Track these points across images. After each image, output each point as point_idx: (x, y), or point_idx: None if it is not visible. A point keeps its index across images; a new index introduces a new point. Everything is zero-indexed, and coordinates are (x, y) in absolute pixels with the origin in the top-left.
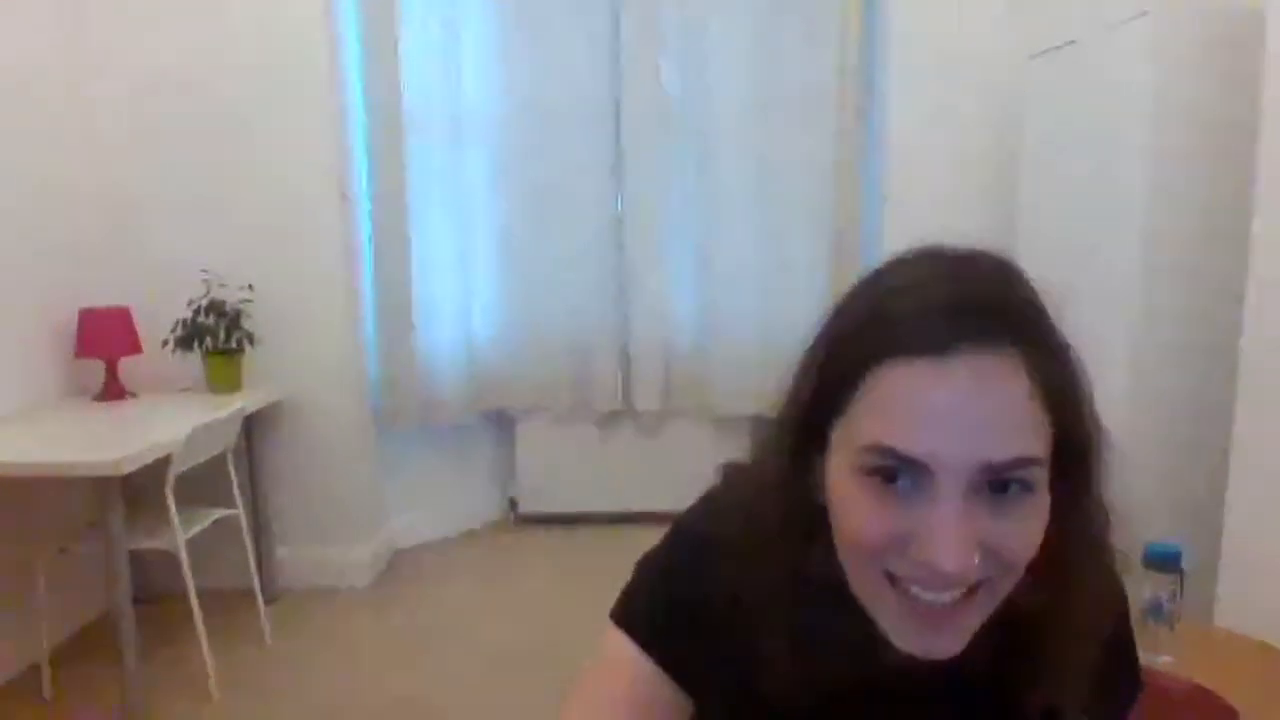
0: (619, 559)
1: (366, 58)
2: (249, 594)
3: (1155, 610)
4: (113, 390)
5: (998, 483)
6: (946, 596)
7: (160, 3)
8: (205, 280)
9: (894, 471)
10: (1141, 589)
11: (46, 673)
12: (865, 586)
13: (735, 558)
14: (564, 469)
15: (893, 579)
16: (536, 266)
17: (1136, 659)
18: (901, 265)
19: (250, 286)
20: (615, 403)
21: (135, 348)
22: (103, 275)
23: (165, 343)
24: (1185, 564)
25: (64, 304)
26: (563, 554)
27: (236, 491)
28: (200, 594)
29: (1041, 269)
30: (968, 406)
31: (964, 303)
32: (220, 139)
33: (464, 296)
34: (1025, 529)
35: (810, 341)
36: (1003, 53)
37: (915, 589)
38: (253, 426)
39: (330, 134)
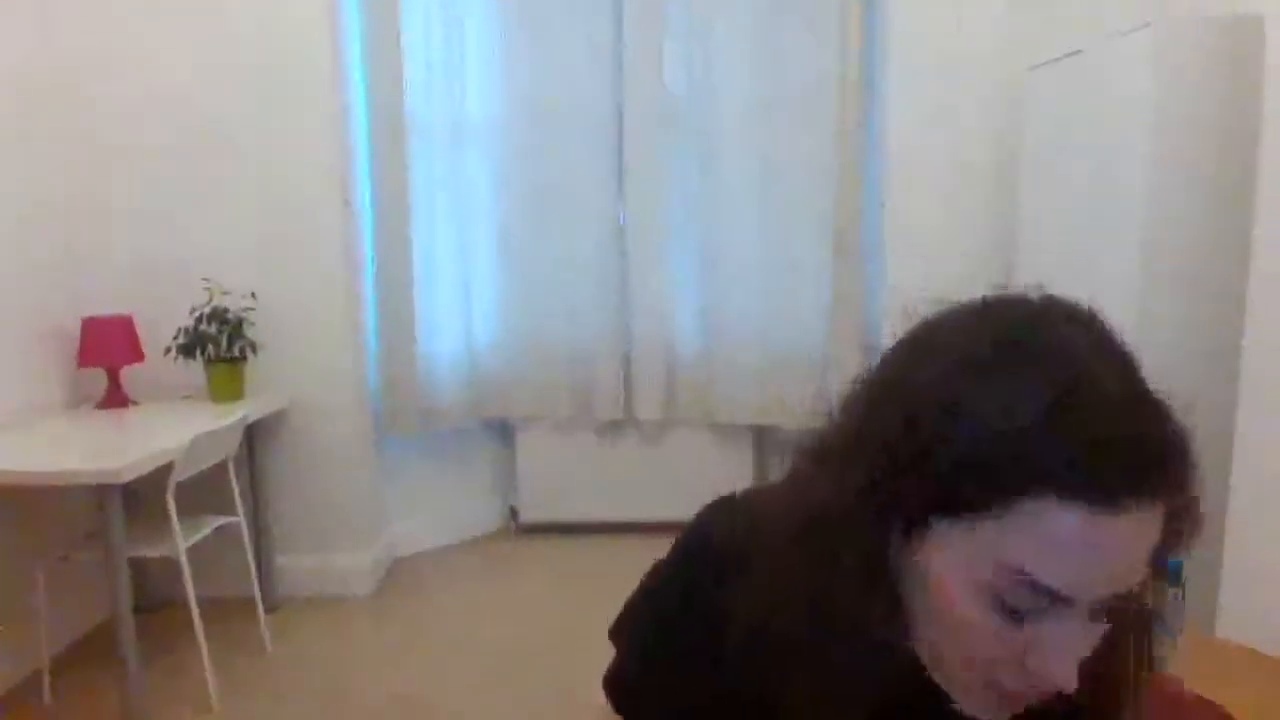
0: (620, 568)
1: (368, 62)
2: (249, 602)
3: (1156, 620)
4: (115, 398)
5: (1108, 606)
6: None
7: (161, 8)
8: (207, 288)
9: (1034, 600)
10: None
11: (47, 680)
12: (957, 678)
13: (766, 586)
14: (565, 477)
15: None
16: (538, 272)
17: None
18: (1054, 351)
19: (253, 295)
20: (617, 411)
21: (137, 356)
22: (105, 283)
23: (167, 351)
24: (1186, 574)
25: (66, 312)
26: (563, 563)
27: (237, 499)
28: (201, 602)
29: (1041, 275)
30: (1126, 556)
31: (1145, 451)
32: (222, 145)
33: (465, 303)
34: (1102, 639)
35: (937, 392)
36: (1003, 56)
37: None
38: (254, 434)
39: (332, 140)
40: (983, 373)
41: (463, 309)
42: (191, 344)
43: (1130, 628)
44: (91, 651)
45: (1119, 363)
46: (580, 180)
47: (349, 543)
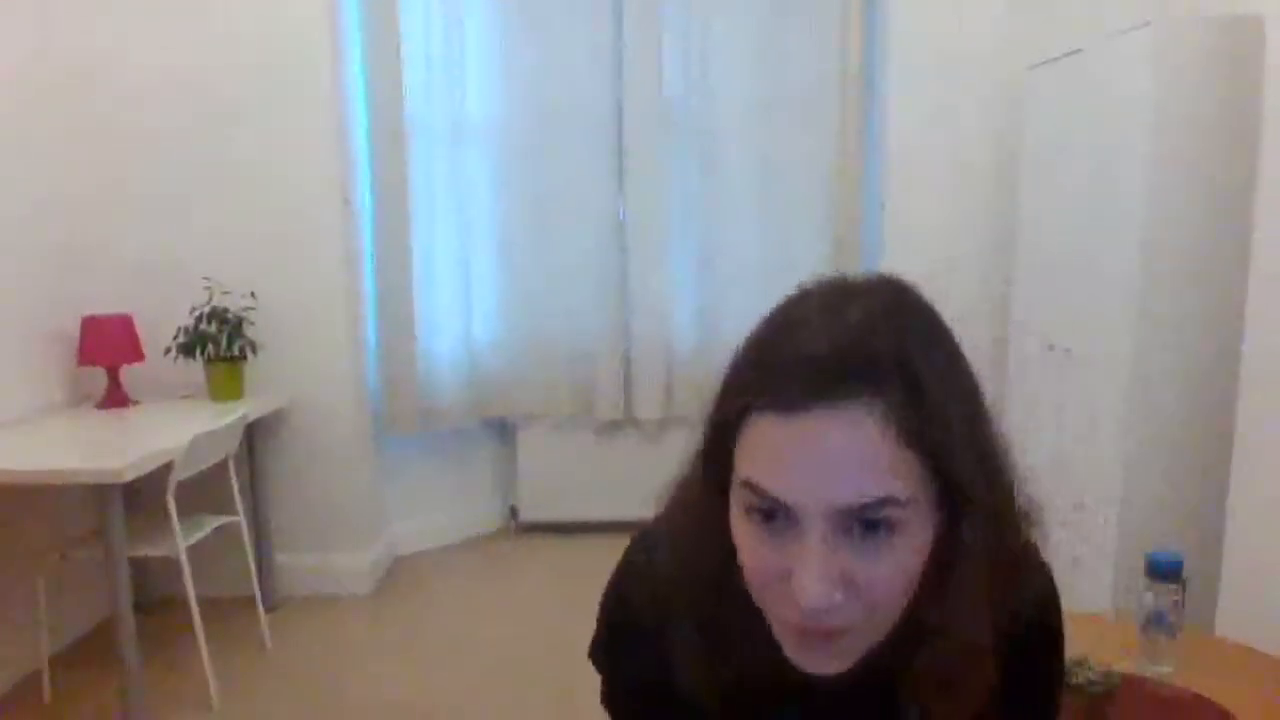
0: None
1: (368, 62)
2: (249, 601)
3: (1157, 620)
4: (115, 398)
5: (869, 522)
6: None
7: (161, 8)
8: (207, 287)
9: (769, 511)
10: (1144, 598)
11: (47, 679)
12: (766, 610)
13: (668, 585)
14: (565, 477)
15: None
16: (537, 272)
17: (1051, 697)
18: (784, 310)
19: (253, 294)
20: (617, 410)
21: (137, 355)
22: (105, 283)
23: (167, 350)
24: (1186, 573)
25: (66, 311)
26: (563, 562)
27: (237, 498)
28: (201, 601)
29: (1041, 276)
30: (820, 457)
31: (823, 360)
32: (221, 145)
33: (465, 303)
34: (887, 567)
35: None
36: (1003, 56)
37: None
38: (254, 433)
39: (332, 140)
40: (746, 339)
41: (462, 309)
42: (191, 343)
43: (964, 564)
44: (92, 650)
45: (830, 307)
46: (580, 180)
47: (349, 542)
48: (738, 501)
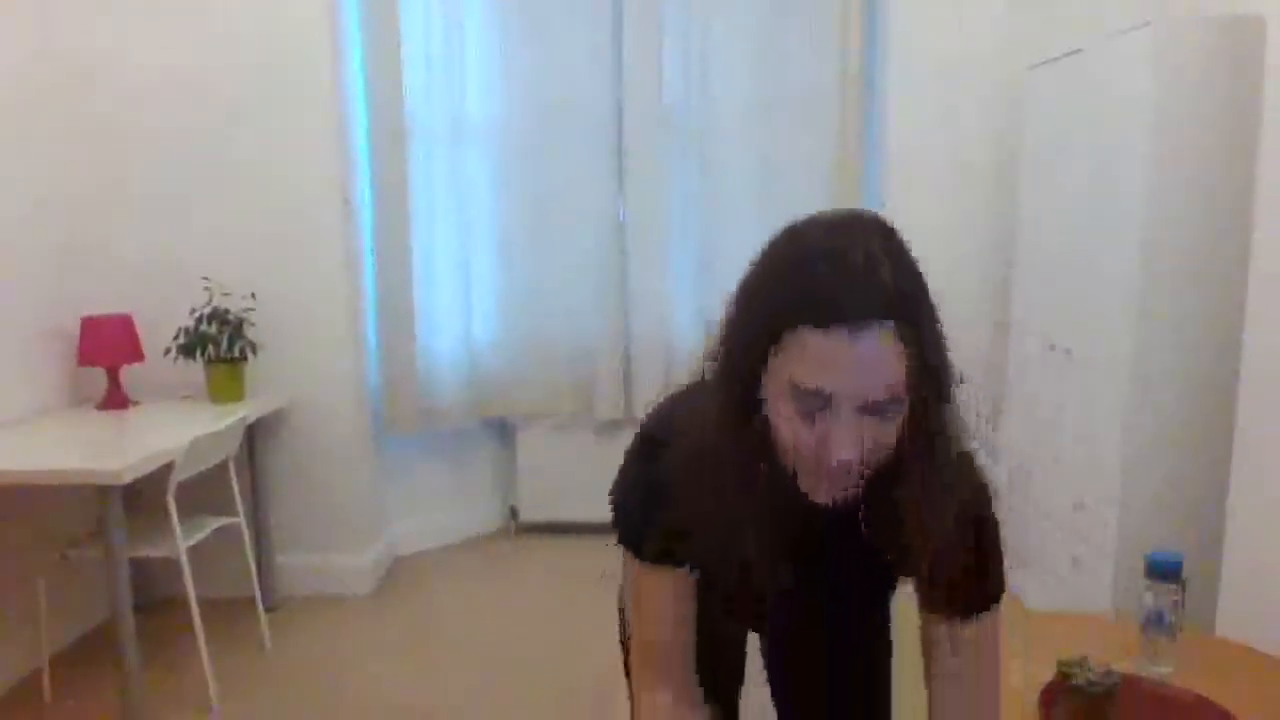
0: (620, 568)
1: (368, 63)
2: (249, 602)
3: (1157, 620)
4: (115, 398)
5: (876, 407)
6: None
7: (161, 8)
8: (207, 288)
9: (812, 400)
10: (1144, 598)
11: (47, 679)
12: (797, 465)
13: (696, 450)
14: (565, 477)
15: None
16: (537, 272)
17: (995, 571)
18: (816, 242)
19: (253, 295)
20: (617, 410)
21: (137, 356)
22: (105, 283)
23: (167, 351)
24: (1186, 573)
25: (66, 312)
26: (563, 562)
27: (237, 499)
28: (201, 602)
29: (1041, 275)
30: (853, 363)
31: (863, 292)
32: (222, 145)
33: (465, 303)
34: (885, 435)
35: (747, 288)
36: (1003, 56)
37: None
38: (254, 433)
39: (332, 140)
40: (761, 261)
41: (462, 308)
42: (192, 344)
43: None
44: (92, 650)
45: (840, 245)
46: (580, 180)
47: (349, 542)
48: (781, 391)
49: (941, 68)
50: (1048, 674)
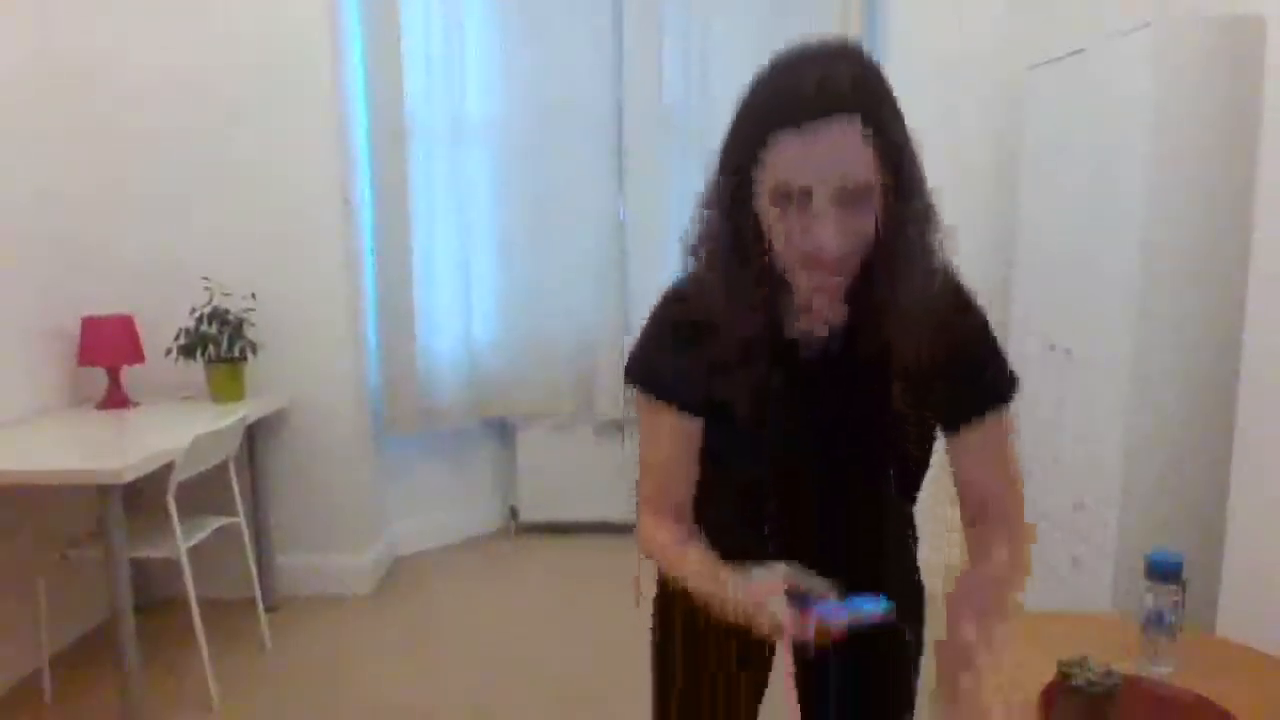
0: (619, 568)
1: (368, 62)
2: (250, 602)
3: (1157, 620)
4: (115, 398)
5: (854, 200)
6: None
7: (161, 8)
8: (208, 288)
9: (791, 198)
10: (1144, 598)
11: (48, 679)
12: (789, 265)
13: (706, 285)
14: (565, 477)
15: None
16: (538, 271)
17: (994, 366)
18: (789, 60)
19: (253, 295)
20: (617, 409)
21: (138, 356)
22: (105, 283)
23: (168, 352)
24: (1186, 574)
25: (66, 312)
26: (563, 562)
27: (238, 499)
28: (201, 602)
29: (1041, 275)
30: (827, 155)
31: (827, 90)
32: (222, 145)
33: (465, 303)
34: (861, 223)
35: (734, 115)
36: (1003, 56)
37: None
38: (254, 434)
39: (332, 140)
40: (756, 84)
41: (462, 308)
42: (192, 344)
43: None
44: (92, 650)
45: (823, 62)
46: (580, 180)
47: (349, 542)
48: (767, 200)
49: (941, 68)
50: (1048, 674)
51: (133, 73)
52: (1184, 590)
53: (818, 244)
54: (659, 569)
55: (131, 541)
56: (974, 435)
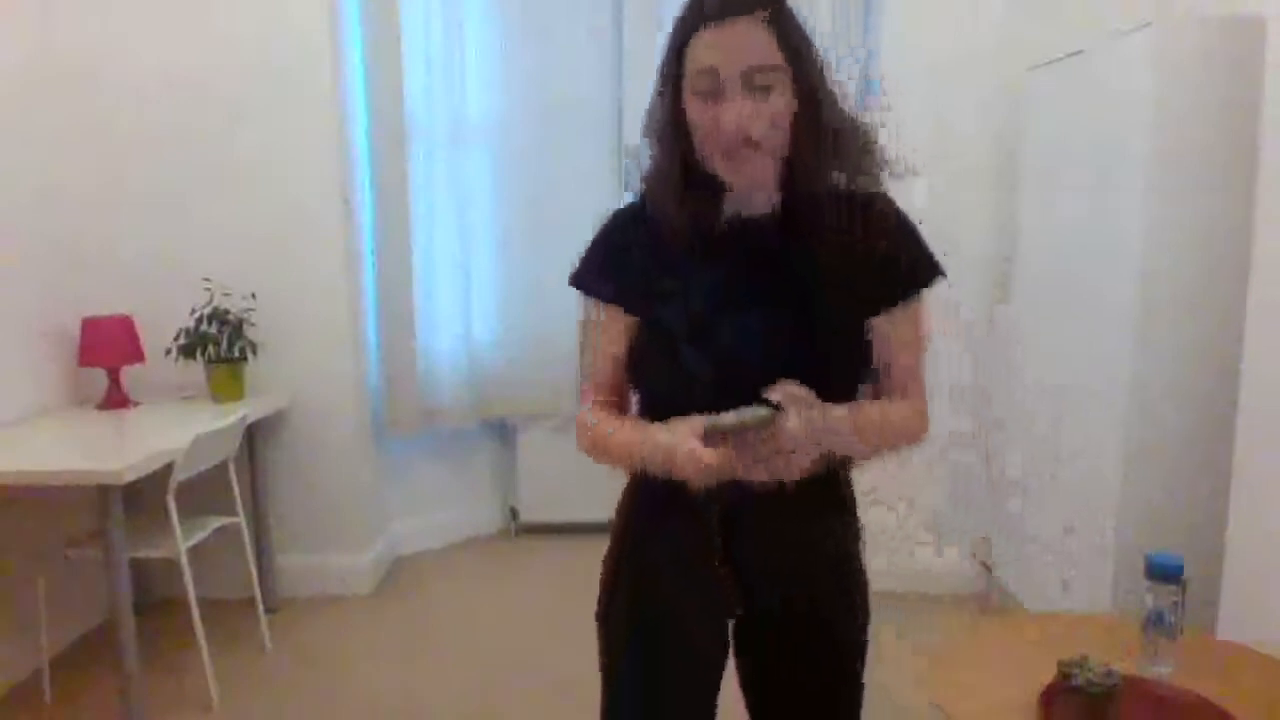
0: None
1: (369, 63)
2: (250, 602)
3: (1157, 621)
4: (115, 399)
5: (761, 87)
6: (744, 140)
7: (161, 8)
8: (208, 288)
9: (709, 90)
10: (1144, 599)
11: (48, 679)
12: (711, 154)
13: (647, 185)
14: (565, 478)
15: (723, 150)
16: (538, 271)
17: (911, 252)
18: None
19: (253, 295)
20: None
21: (138, 356)
22: (105, 283)
23: (168, 351)
24: (1187, 575)
25: (67, 312)
26: (563, 563)
27: (238, 499)
28: (201, 602)
29: (1041, 275)
30: (734, 41)
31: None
32: (222, 145)
33: (465, 303)
34: (773, 105)
35: (670, 32)
36: (1003, 56)
37: (731, 146)
38: (254, 434)
39: (332, 140)
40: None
41: (462, 308)
42: (192, 344)
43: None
44: (92, 650)
45: None
46: (580, 180)
47: (349, 543)
48: (690, 90)
49: (941, 68)
50: (1048, 674)
51: (133, 73)
52: (1184, 590)
53: (730, 119)
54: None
55: (131, 541)
56: (892, 319)
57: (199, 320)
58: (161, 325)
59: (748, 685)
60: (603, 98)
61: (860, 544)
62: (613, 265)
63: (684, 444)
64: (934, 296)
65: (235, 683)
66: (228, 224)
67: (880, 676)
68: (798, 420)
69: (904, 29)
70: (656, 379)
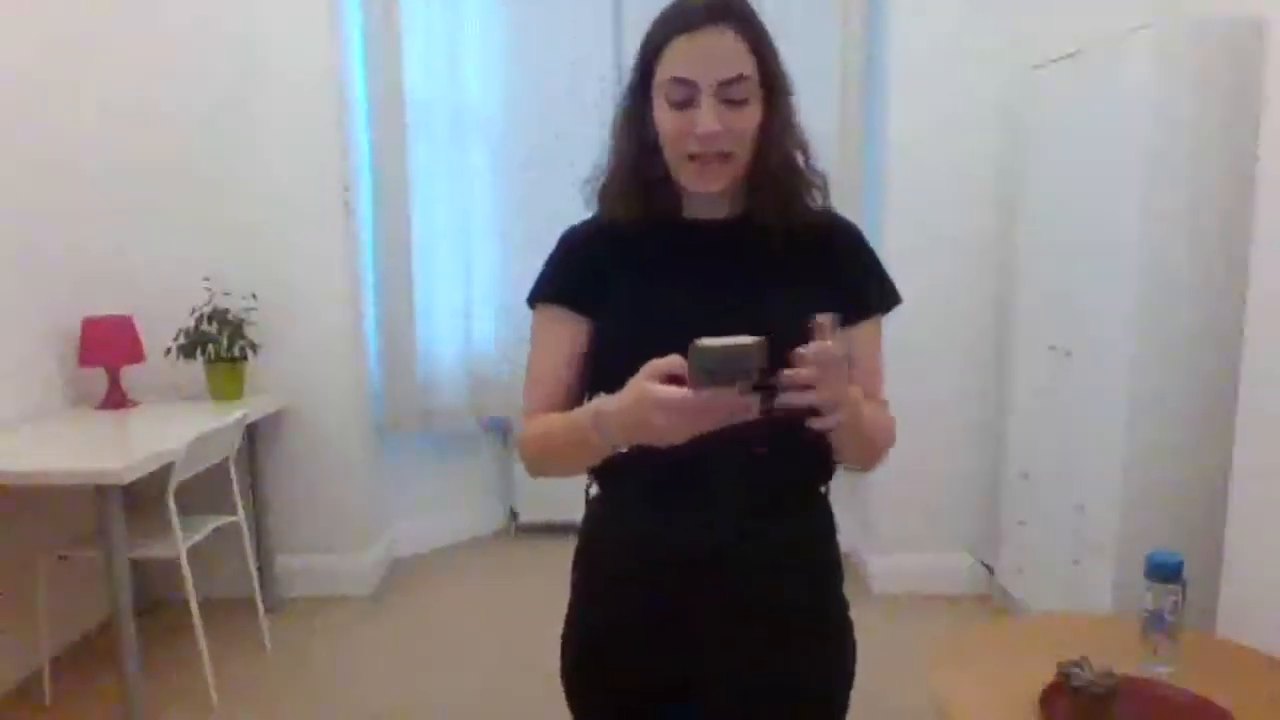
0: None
1: (369, 60)
2: (249, 602)
3: (1157, 620)
4: (115, 399)
5: (732, 102)
6: (715, 152)
7: (161, 7)
8: (208, 288)
9: (681, 98)
10: (1144, 598)
11: (48, 679)
12: (677, 161)
13: (607, 185)
14: (564, 478)
15: (690, 158)
16: (538, 272)
17: (872, 276)
18: None
19: (253, 295)
20: None
21: (138, 356)
22: (105, 284)
23: (168, 351)
24: (1187, 575)
25: (67, 312)
26: (562, 564)
27: (238, 499)
28: (201, 602)
29: (1041, 275)
30: (708, 52)
31: (712, 5)
32: (222, 145)
33: (465, 303)
34: (743, 120)
35: (644, 36)
36: (1003, 56)
37: (700, 155)
38: (254, 434)
39: (332, 140)
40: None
41: (463, 308)
42: (192, 344)
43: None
44: (92, 651)
45: None
46: (581, 177)
47: (349, 543)
48: (661, 97)
49: (942, 68)
50: (1048, 674)
51: (132, 70)
52: (1184, 590)
53: (700, 126)
54: (538, 456)
55: (131, 541)
56: (855, 336)
57: (199, 320)
58: (161, 325)
59: None
60: (604, 92)
61: (845, 607)
62: (562, 272)
63: (649, 392)
64: (933, 297)
65: (235, 683)
66: (227, 224)
67: (880, 676)
68: (819, 347)
69: (905, 29)
70: (611, 384)
